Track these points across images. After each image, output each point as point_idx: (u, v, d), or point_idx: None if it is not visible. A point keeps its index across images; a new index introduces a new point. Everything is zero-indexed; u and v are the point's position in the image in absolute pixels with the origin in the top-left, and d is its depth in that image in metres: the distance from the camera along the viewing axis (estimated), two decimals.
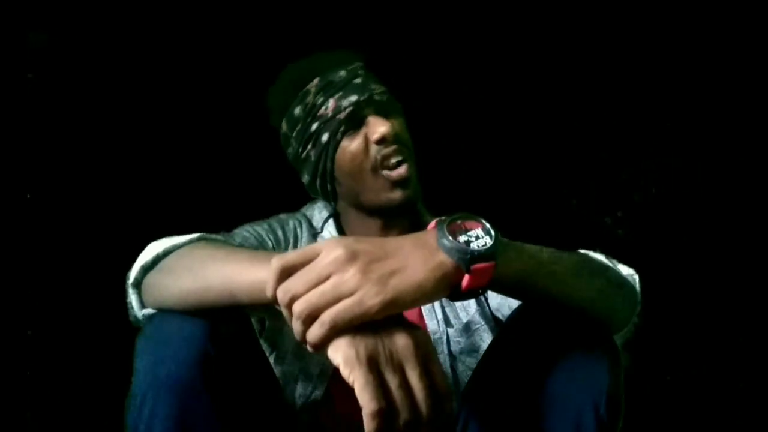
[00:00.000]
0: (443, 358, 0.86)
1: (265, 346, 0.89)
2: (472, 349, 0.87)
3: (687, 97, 1.41)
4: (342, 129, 0.87)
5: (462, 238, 0.54)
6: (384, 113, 0.89)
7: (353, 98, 0.87)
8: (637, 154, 1.42)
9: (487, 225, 0.57)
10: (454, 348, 0.88)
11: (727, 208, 1.40)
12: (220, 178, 1.41)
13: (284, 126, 0.94)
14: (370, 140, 0.87)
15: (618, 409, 0.64)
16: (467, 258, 0.53)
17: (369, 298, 0.50)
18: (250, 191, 1.38)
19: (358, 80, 0.88)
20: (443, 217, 0.56)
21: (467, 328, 0.89)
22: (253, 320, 0.74)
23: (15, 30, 1.24)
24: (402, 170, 0.87)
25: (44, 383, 1.27)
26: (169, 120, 1.38)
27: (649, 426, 1.38)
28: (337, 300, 0.51)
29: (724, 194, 1.40)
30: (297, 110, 0.90)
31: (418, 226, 0.93)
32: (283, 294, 0.52)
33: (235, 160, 1.42)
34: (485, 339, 0.88)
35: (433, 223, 0.57)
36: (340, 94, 0.87)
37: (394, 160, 0.87)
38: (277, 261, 0.53)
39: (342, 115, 0.87)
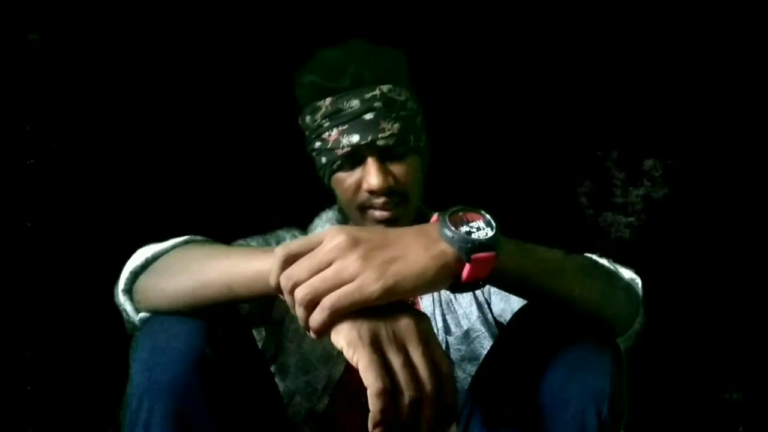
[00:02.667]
0: None
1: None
2: (472, 357, 0.87)
3: (687, 97, 1.41)
4: (338, 163, 0.85)
5: (463, 229, 0.55)
6: (387, 157, 0.84)
7: (354, 139, 0.82)
8: (637, 154, 1.42)
9: (488, 217, 0.57)
10: (455, 355, 0.87)
11: (728, 209, 1.39)
12: (215, 188, 1.39)
13: (299, 120, 0.92)
14: (362, 185, 0.85)
15: (620, 412, 0.63)
16: (468, 247, 0.53)
17: (369, 283, 0.51)
18: (247, 203, 1.37)
19: (369, 116, 0.82)
20: (445, 210, 0.57)
21: (467, 336, 0.89)
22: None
23: (15, 30, 1.25)
24: (386, 214, 0.85)
25: (43, 382, 1.26)
26: (164, 126, 1.37)
27: (651, 428, 1.35)
28: (338, 285, 0.51)
29: (726, 195, 1.39)
30: (308, 118, 0.88)
31: None
32: (285, 281, 0.53)
33: (232, 169, 1.41)
34: (486, 346, 0.87)
35: (435, 216, 0.58)
36: (345, 128, 0.82)
37: (381, 204, 0.85)
38: (282, 249, 0.54)
39: (339, 152, 0.84)
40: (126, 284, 0.68)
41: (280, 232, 0.98)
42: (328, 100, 0.84)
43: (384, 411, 0.49)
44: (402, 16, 1.41)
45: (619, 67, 1.43)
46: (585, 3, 1.43)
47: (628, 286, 0.72)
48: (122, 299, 0.69)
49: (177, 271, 0.64)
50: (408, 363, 0.51)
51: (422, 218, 0.97)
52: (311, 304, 0.52)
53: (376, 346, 0.51)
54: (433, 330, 0.55)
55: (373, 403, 0.49)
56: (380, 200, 0.85)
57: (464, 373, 0.85)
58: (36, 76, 1.27)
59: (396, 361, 0.51)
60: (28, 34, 1.25)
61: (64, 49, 1.31)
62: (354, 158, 0.84)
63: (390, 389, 0.49)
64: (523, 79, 1.47)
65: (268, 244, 0.95)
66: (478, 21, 1.46)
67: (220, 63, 1.39)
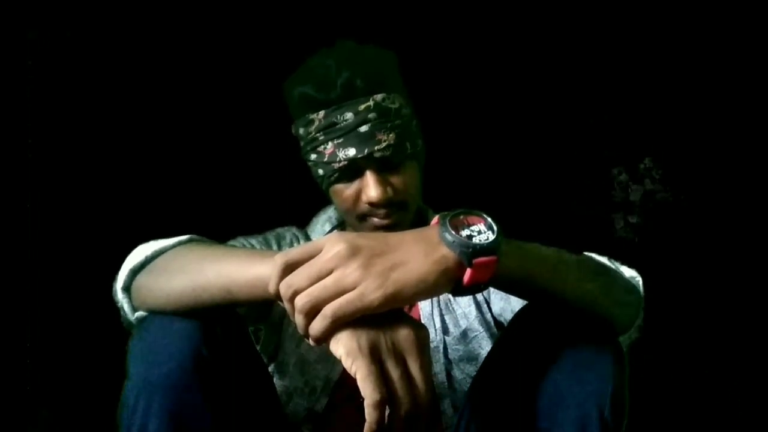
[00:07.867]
0: (440, 366, 0.86)
1: (265, 359, 0.89)
2: (470, 357, 0.87)
3: (687, 97, 1.42)
4: (336, 176, 0.83)
5: (464, 233, 0.54)
6: (385, 167, 0.83)
7: (350, 152, 0.80)
8: (637, 154, 1.42)
9: (489, 220, 0.57)
10: (453, 355, 0.87)
11: (729, 209, 1.40)
12: (215, 187, 1.39)
13: (293, 129, 0.89)
14: (361, 196, 0.84)
15: (622, 412, 0.63)
16: (469, 252, 0.53)
17: (370, 291, 0.51)
18: (246, 202, 1.37)
19: (364, 128, 0.79)
20: (446, 213, 0.57)
21: (465, 335, 0.89)
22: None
23: (14, 29, 1.24)
24: (386, 222, 0.84)
25: (41, 380, 1.25)
26: (165, 125, 1.37)
27: (652, 429, 1.36)
28: (339, 294, 0.51)
29: (727, 195, 1.40)
30: (301, 130, 0.85)
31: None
32: (285, 289, 0.53)
33: (231, 168, 1.41)
34: (484, 346, 0.87)
35: (435, 219, 0.57)
36: (341, 141, 0.80)
37: (381, 214, 0.84)
38: (281, 257, 0.54)
39: (336, 165, 0.82)
40: (125, 282, 0.68)
41: (280, 231, 0.98)
42: (321, 113, 0.81)
43: (380, 421, 0.50)
44: (402, 12, 1.40)
45: (620, 67, 1.44)
46: (586, 2, 1.42)
47: (629, 284, 0.71)
48: (120, 297, 0.69)
49: (176, 271, 0.63)
50: (406, 375, 0.52)
51: (421, 216, 0.96)
52: (311, 313, 0.52)
53: (375, 356, 0.51)
54: (429, 342, 0.55)
55: (370, 414, 0.49)
56: (380, 211, 0.84)
57: (462, 374, 0.85)
58: (36, 76, 1.27)
59: (394, 372, 0.51)
60: (28, 33, 1.23)
61: (66, 50, 1.30)
62: (351, 170, 0.83)
63: (387, 400, 0.50)
64: (524, 78, 1.47)
65: (268, 242, 0.94)
66: (478, 19, 1.45)
67: (220, 63, 1.39)
